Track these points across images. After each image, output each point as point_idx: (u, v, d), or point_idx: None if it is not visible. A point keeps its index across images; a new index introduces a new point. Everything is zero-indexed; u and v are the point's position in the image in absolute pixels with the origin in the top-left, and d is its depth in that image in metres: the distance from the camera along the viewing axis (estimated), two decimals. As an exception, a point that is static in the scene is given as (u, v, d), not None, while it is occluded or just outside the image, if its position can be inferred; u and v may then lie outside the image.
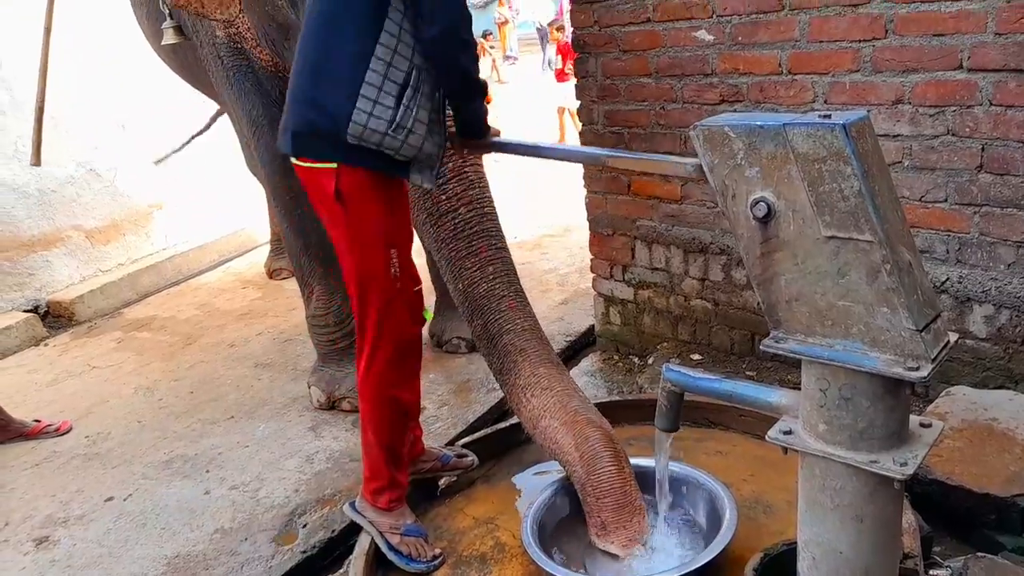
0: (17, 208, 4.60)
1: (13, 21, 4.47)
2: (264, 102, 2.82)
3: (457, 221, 2.06)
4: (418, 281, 1.97)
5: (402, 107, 1.72)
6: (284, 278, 4.67)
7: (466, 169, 2.09)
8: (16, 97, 4.59)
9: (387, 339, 1.86)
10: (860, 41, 2.09)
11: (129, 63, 4.96)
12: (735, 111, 2.41)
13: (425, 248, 3.00)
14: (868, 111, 2.10)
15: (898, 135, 2.09)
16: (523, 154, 1.89)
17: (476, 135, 1.88)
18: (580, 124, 2.95)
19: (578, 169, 3.01)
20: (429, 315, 2.14)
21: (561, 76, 8.35)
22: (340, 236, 1.84)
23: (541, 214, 5.32)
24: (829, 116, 1.21)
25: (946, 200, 2.06)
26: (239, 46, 2.73)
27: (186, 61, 3.36)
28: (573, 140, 7.96)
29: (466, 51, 1.76)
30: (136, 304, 4.79)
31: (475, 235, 2.07)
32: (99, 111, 5.00)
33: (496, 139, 1.92)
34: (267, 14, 2.44)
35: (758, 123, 1.26)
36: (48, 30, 3.43)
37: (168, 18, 2.94)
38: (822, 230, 1.21)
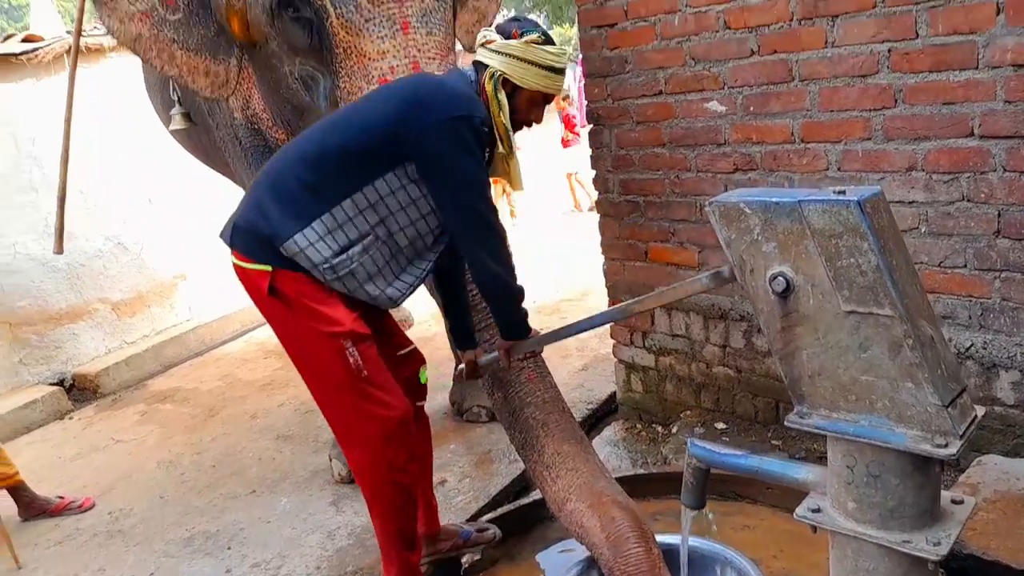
0: (46, 282, 4.71)
1: (45, 100, 4.64)
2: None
3: (475, 290, 2.08)
4: (403, 360, 1.97)
5: (344, 255, 1.76)
6: (305, 347, 4.70)
7: None
8: (48, 175, 4.73)
9: (368, 432, 1.82)
10: (870, 110, 2.12)
11: (155, 139, 5.12)
12: (749, 179, 2.44)
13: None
14: (882, 177, 2.14)
15: (913, 201, 2.10)
16: (565, 337, 1.89)
17: (518, 337, 1.89)
18: (590, 190, 2.99)
19: (594, 233, 3.04)
20: (424, 377, 2.13)
21: (565, 143, 8.54)
22: (284, 335, 1.83)
23: (558, 277, 5.35)
24: (844, 192, 1.23)
25: (965, 266, 2.05)
26: (256, 127, 2.81)
27: (200, 143, 3.47)
28: (584, 201, 8.08)
29: (505, 268, 1.83)
30: (160, 375, 4.83)
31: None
32: (127, 187, 5.14)
33: (539, 336, 1.92)
34: (284, 98, 2.53)
35: (774, 199, 1.28)
36: (68, 121, 3.57)
37: (177, 104, 3.07)
38: (842, 305, 1.22)
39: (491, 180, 1.93)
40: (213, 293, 5.55)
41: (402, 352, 2.06)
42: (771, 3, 2.24)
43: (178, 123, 3.12)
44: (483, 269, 1.81)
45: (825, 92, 2.20)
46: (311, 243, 1.73)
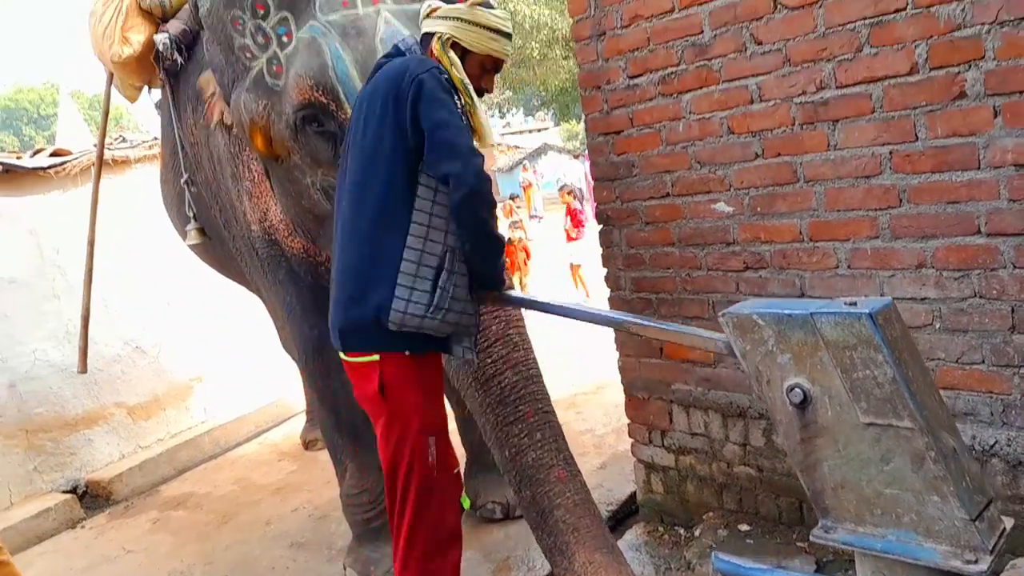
0: (64, 389, 4.73)
1: (70, 211, 4.79)
2: (296, 288, 2.92)
3: (503, 385, 2.08)
4: (456, 463, 1.97)
5: (439, 290, 1.80)
6: (319, 449, 4.66)
7: (510, 332, 2.13)
8: (71, 282, 4.83)
9: (424, 531, 1.84)
10: (876, 210, 2.16)
11: (175, 242, 5.23)
12: (760, 277, 2.47)
13: (454, 407, 3.00)
14: (893, 275, 2.15)
15: (925, 298, 2.11)
16: (540, 310, 1.93)
17: (494, 287, 1.95)
18: (586, 286, 3.01)
19: (609, 331, 3.05)
20: (467, 502, 2.12)
21: (568, 237, 8.75)
22: (382, 428, 1.87)
23: (573, 370, 5.32)
24: (855, 303, 1.24)
25: (983, 362, 2.04)
26: (273, 237, 2.87)
27: (215, 254, 3.55)
28: (591, 292, 8.13)
29: (487, 208, 1.86)
30: (173, 480, 4.78)
31: (521, 399, 2.08)
32: (147, 291, 5.23)
33: (511, 293, 1.99)
34: (305, 208, 2.60)
35: (786, 311, 1.29)
36: (91, 243, 3.71)
37: (192, 220, 3.16)
38: (861, 416, 1.21)
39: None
40: (229, 394, 5.56)
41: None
42: (773, 109, 2.32)
43: (193, 238, 3.21)
44: (466, 204, 1.80)
45: (831, 192, 2.25)
46: (408, 300, 1.79)
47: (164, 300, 5.34)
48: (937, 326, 2.11)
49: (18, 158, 4.78)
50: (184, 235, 3.37)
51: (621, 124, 2.76)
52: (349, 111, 2.22)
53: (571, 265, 8.74)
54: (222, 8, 2.43)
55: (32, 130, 35.35)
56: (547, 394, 2.17)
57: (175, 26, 2.93)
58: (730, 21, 2.36)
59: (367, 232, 1.85)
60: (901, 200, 2.11)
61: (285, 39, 2.34)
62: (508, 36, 1.96)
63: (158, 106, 3.63)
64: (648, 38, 2.60)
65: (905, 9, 1.99)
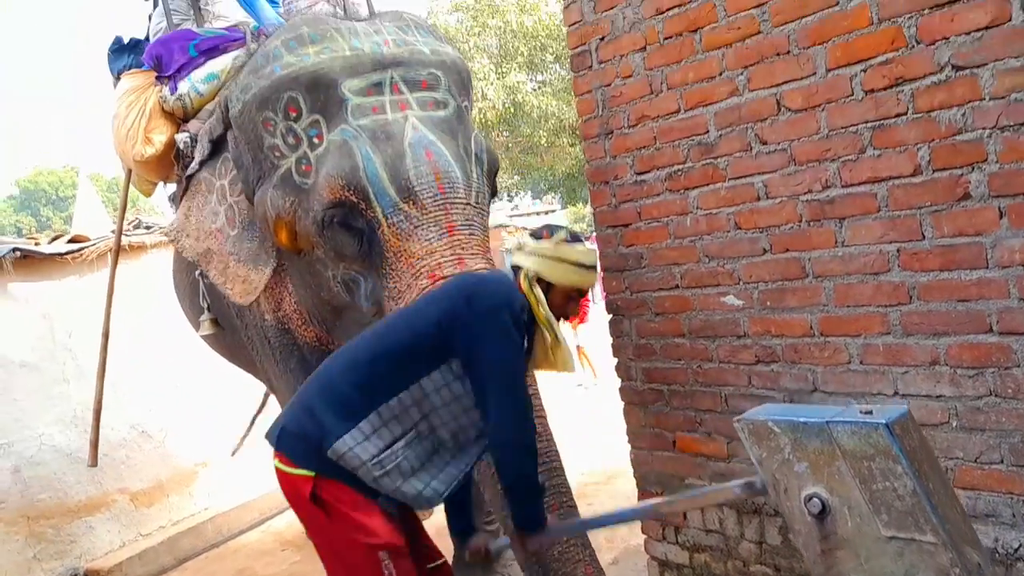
0: (68, 474, 4.68)
1: (85, 296, 4.85)
2: (307, 377, 2.93)
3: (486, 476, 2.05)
4: (432, 574, 1.93)
5: (388, 450, 1.80)
6: (324, 538, 4.57)
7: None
8: (81, 366, 4.85)
9: None
10: (887, 306, 2.17)
11: (186, 326, 5.27)
12: (771, 371, 2.46)
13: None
14: (907, 371, 2.14)
15: (940, 396, 2.10)
16: (583, 530, 1.94)
17: (534, 529, 1.89)
18: (592, 367, 3.00)
19: (611, 408, 3.02)
20: None
21: (572, 322, 8.80)
22: (322, 544, 1.82)
23: (582, 458, 5.23)
24: (871, 412, 1.24)
25: (1002, 461, 2.01)
26: (286, 327, 2.90)
27: (226, 343, 3.59)
28: (598, 372, 8.09)
29: (533, 460, 1.86)
30: (173, 571, 4.68)
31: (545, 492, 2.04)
32: (155, 375, 5.23)
33: (552, 528, 1.92)
34: (323, 300, 2.63)
35: (801, 419, 1.29)
36: (106, 335, 3.79)
37: (206, 311, 3.22)
38: (882, 529, 1.19)
39: (528, 367, 2.00)
40: (233, 480, 5.48)
41: (432, 566, 2.01)
42: (779, 206, 2.36)
43: (207, 329, 3.27)
44: (508, 450, 1.81)
45: (840, 288, 2.27)
46: (359, 442, 1.77)
47: (172, 384, 5.34)
48: (954, 424, 2.09)
49: (36, 243, 4.88)
50: (197, 325, 3.41)
51: (629, 217, 2.81)
52: (378, 210, 2.30)
53: (577, 347, 8.75)
54: (255, 110, 2.52)
55: (50, 211, 36.08)
56: (569, 487, 2.15)
57: (195, 126, 3.06)
58: (735, 122, 2.43)
59: (364, 372, 1.86)
60: (911, 297, 2.12)
61: (316, 140, 2.43)
62: (593, 268, 2.03)
63: (172, 199, 3.73)
64: (655, 137, 2.67)
65: (906, 114, 2.05)
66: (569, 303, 2.01)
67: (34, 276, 4.76)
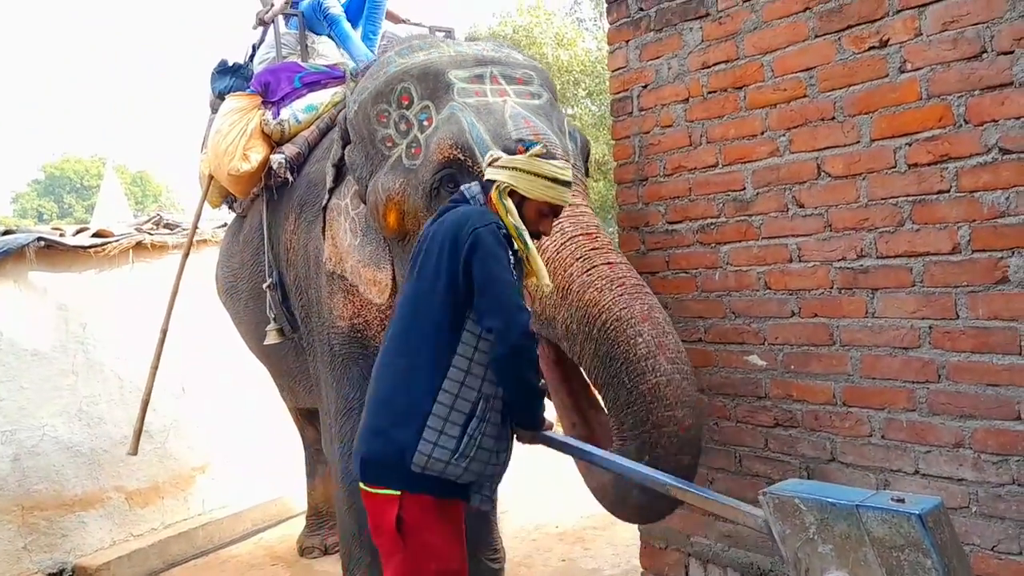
0: (67, 467, 4.66)
1: (102, 291, 4.86)
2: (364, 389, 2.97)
3: (659, 376, 2.09)
4: None
5: (466, 436, 1.81)
6: (315, 557, 4.52)
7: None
8: (91, 359, 4.86)
9: None
10: (914, 382, 2.14)
11: (198, 329, 5.27)
12: (790, 436, 2.42)
13: None
14: (929, 450, 2.10)
15: (962, 479, 2.05)
16: (576, 455, 1.94)
17: (531, 428, 1.97)
18: None
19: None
20: None
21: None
22: (396, 566, 1.81)
23: (582, 500, 5.15)
24: (903, 500, 1.21)
25: (1020, 552, 1.96)
26: (359, 334, 2.93)
27: (278, 353, 3.63)
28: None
29: (531, 368, 1.90)
30: (161, 574, 4.62)
31: (677, 404, 2.10)
32: (163, 375, 5.21)
33: (550, 433, 1.98)
34: None
35: (830, 500, 1.26)
36: (164, 332, 3.99)
37: (272, 321, 3.37)
38: (906, 624, 1.16)
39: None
40: (230, 487, 5.44)
41: None
42: (812, 270, 2.34)
43: (272, 338, 3.40)
44: (512, 360, 1.84)
45: (867, 359, 2.24)
46: (435, 443, 1.80)
47: (179, 386, 5.33)
48: (973, 510, 2.04)
49: (61, 234, 4.89)
50: (262, 336, 3.54)
51: (657, 265, 2.80)
52: (483, 164, 2.36)
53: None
54: (370, 106, 2.71)
55: (73, 199, 36.42)
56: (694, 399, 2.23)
57: (290, 149, 3.35)
58: (773, 182, 2.43)
59: (406, 368, 1.88)
60: (940, 376, 2.09)
61: (426, 123, 2.59)
62: (566, 184, 2.03)
63: (238, 211, 3.95)
64: (690, 188, 2.67)
65: (948, 192, 2.04)
66: (541, 219, 2.04)
67: (55, 266, 4.78)
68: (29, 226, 9.87)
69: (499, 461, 1.93)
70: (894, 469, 2.18)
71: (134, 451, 4.02)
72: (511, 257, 1.91)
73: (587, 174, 2.73)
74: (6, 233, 4.74)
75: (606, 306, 2.16)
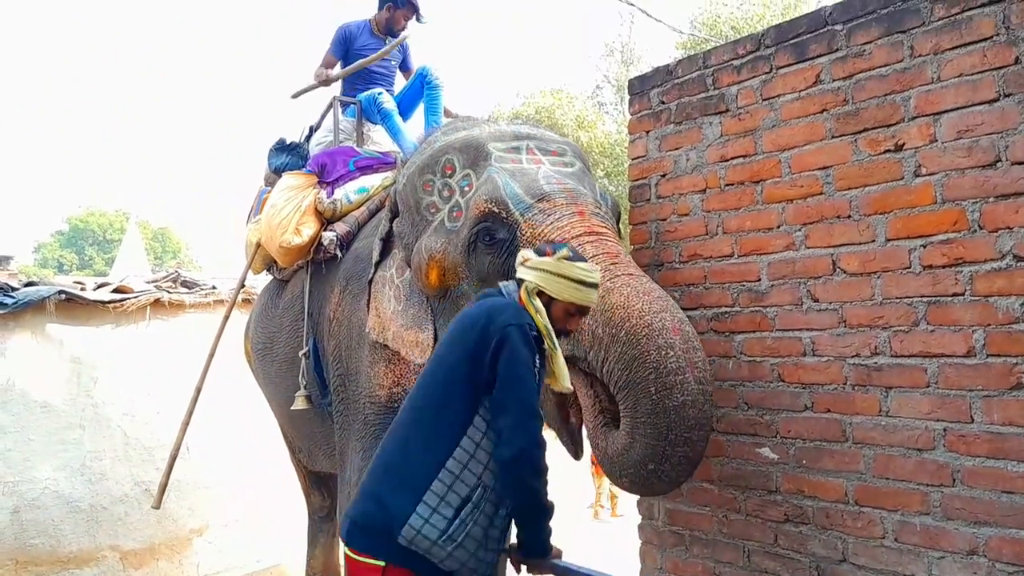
0: (65, 523, 4.62)
1: (117, 346, 4.90)
2: None
3: (686, 395, 2.14)
4: None
5: (458, 520, 1.81)
6: (309, 629, 4.41)
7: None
8: (99, 414, 4.88)
9: None
10: (928, 485, 2.11)
11: (208, 391, 5.28)
12: (800, 533, 2.38)
13: None
14: (943, 556, 2.06)
15: (978, 588, 2.01)
16: None
17: (538, 556, 1.93)
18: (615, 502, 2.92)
19: (633, 554, 2.92)
20: None
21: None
22: None
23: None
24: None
25: (1040, 671, 1.90)
26: (395, 404, 2.96)
27: (303, 416, 3.68)
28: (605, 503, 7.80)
29: (537, 476, 1.88)
30: (150, 642, 4.52)
31: (696, 426, 2.17)
32: (169, 435, 5.20)
33: (558, 562, 1.93)
34: None
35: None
36: (199, 390, 4.09)
37: (302, 388, 3.48)
38: None
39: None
40: (227, 551, 5.36)
41: None
42: (825, 365, 2.34)
43: (300, 404, 3.49)
44: (514, 465, 1.82)
45: (880, 458, 2.21)
46: (426, 520, 1.80)
47: (183, 447, 5.30)
48: (989, 622, 1.99)
49: (82, 288, 4.98)
50: (288, 401, 3.64)
51: (670, 352, 2.80)
52: (516, 214, 2.53)
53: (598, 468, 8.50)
54: (417, 176, 2.89)
55: (94, 251, 36.97)
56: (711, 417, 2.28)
57: (341, 227, 3.55)
58: (788, 275, 2.45)
59: (414, 439, 1.89)
60: (955, 480, 2.06)
61: (467, 189, 2.74)
62: (593, 286, 2.08)
63: (279, 277, 4.11)
64: (705, 276, 2.70)
65: (963, 295, 2.05)
66: (569, 318, 2.08)
67: (73, 319, 4.85)
68: (49, 276, 10.02)
69: (483, 556, 1.88)
70: (907, 574, 2.13)
71: (158, 505, 4.11)
72: (537, 361, 1.95)
73: (619, 236, 2.80)
74: (29, 284, 4.83)
75: (636, 311, 2.20)
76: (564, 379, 2.05)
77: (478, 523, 1.83)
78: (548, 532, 1.92)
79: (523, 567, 2.00)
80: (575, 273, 2.03)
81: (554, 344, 2.00)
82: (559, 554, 1.96)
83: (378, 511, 1.84)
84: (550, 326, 2.00)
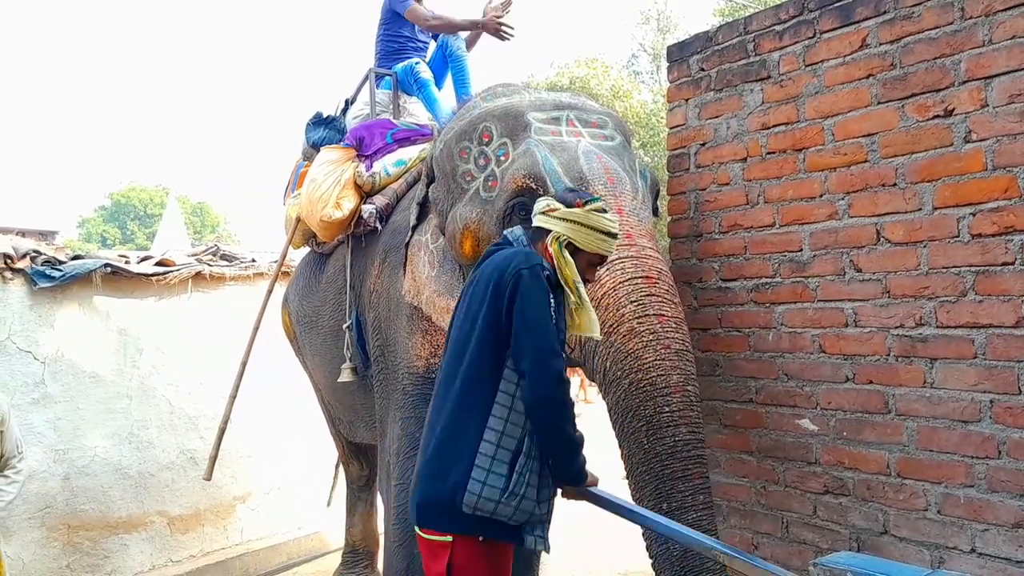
0: (114, 488, 4.76)
1: (161, 318, 5.01)
2: None
3: (677, 440, 2.16)
4: None
5: (515, 474, 1.82)
6: (348, 594, 4.51)
7: (688, 389, 2.24)
8: (145, 384, 4.99)
9: None
10: (973, 457, 2.08)
11: (252, 362, 5.39)
12: (840, 504, 2.37)
13: None
14: (987, 529, 2.04)
15: (1021, 561, 1.98)
16: (624, 516, 1.92)
17: (573, 484, 1.96)
18: None
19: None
20: None
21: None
22: None
23: (622, 553, 5.05)
24: (963, 582, 1.17)
25: (1087, 645, 1.87)
26: (433, 375, 2.97)
27: (346, 388, 3.72)
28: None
29: (562, 413, 1.89)
30: (197, 603, 4.66)
31: (691, 460, 2.17)
32: (213, 404, 5.33)
33: (594, 490, 1.97)
34: None
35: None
36: (244, 364, 4.18)
37: (348, 359, 3.51)
38: None
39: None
40: (269, 518, 5.49)
41: None
42: (868, 336, 2.31)
43: (347, 376, 3.54)
44: (540, 405, 1.85)
45: (924, 430, 2.19)
46: (483, 483, 1.82)
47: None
48: (1034, 595, 1.96)
49: (127, 261, 5.07)
50: (327, 368, 3.76)
51: (709, 322, 2.78)
52: (553, 193, 2.49)
53: None
54: (454, 143, 2.87)
55: (135, 226, 37.66)
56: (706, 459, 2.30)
57: (380, 200, 3.56)
58: (831, 245, 2.41)
59: (452, 410, 1.91)
60: (1000, 452, 2.03)
61: (503, 158, 2.72)
62: (615, 236, 2.08)
63: (319, 251, 4.13)
64: (745, 247, 2.67)
65: (1013, 264, 2.01)
66: (590, 268, 2.10)
67: (119, 292, 4.95)
68: (93, 250, 10.24)
69: (548, 498, 1.93)
70: (950, 546, 2.11)
71: (208, 476, 4.22)
72: (552, 301, 1.94)
73: (656, 213, 2.76)
74: (75, 258, 4.93)
75: (645, 365, 2.20)
76: (595, 327, 2.05)
77: (533, 471, 1.86)
78: (582, 461, 1.94)
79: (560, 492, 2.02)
80: (604, 225, 2.04)
81: (581, 297, 2.00)
82: (595, 481, 1.98)
83: (436, 487, 1.87)
84: (579, 278, 2.01)
